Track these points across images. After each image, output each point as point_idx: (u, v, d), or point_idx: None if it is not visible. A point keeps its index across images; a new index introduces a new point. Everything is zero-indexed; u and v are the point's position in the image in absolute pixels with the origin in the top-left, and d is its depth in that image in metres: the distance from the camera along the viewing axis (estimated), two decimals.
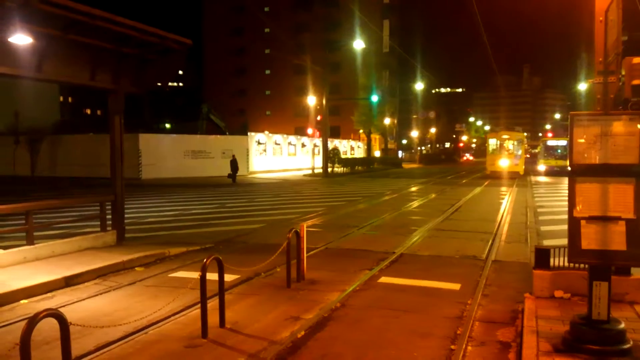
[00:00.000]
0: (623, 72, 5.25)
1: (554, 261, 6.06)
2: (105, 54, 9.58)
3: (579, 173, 4.53)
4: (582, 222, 4.46)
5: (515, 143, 36.48)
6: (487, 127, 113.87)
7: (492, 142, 37.71)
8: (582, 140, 4.52)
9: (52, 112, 48.48)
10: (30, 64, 8.52)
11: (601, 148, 4.46)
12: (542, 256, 6.09)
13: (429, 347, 5.16)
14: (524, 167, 36.41)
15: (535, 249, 6.30)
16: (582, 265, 5.50)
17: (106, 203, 10.28)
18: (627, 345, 4.40)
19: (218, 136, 40.18)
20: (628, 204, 4.38)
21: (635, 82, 5.11)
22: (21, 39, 7.85)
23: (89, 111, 76.26)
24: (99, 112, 73.51)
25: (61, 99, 60.41)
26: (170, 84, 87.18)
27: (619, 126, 4.47)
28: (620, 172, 4.41)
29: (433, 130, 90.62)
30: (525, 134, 44.00)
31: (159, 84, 11.37)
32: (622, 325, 4.47)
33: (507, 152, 36.14)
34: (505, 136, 37.85)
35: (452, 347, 5.12)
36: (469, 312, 6.17)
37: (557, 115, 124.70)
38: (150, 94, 55.18)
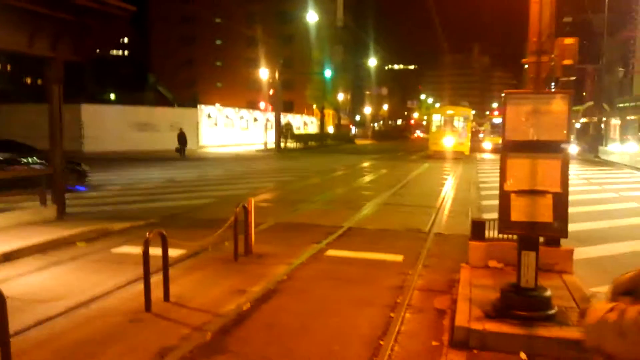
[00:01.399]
0: (555, 52, 5.49)
1: (490, 233, 6.36)
2: (43, 20, 9.07)
3: (511, 149, 4.76)
4: (512, 195, 4.70)
5: (461, 120, 33.14)
6: (437, 105, 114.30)
7: (436, 119, 34.06)
8: (515, 118, 4.74)
9: None
10: None
11: (532, 125, 4.68)
12: (478, 228, 6.38)
13: (370, 315, 5.36)
14: (470, 145, 33.31)
15: (472, 221, 6.58)
16: (514, 237, 5.80)
17: (45, 176, 9.91)
18: (553, 311, 4.70)
19: (166, 108, 38.88)
20: (555, 179, 4.64)
21: (566, 62, 5.37)
22: None
23: (29, 80, 72.10)
24: (39, 82, 69.56)
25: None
26: (114, 52, 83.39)
27: (549, 104, 4.70)
28: (548, 148, 4.66)
29: (386, 107, 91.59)
30: (472, 111, 43.35)
31: (101, 51, 10.98)
32: (548, 293, 4.77)
33: (451, 129, 32.65)
34: (450, 112, 34.65)
35: (392, 314, 5.35)
36: (410, 282, 6.42)
37: (504, 94, 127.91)
38: (94, 62, 52.62)
